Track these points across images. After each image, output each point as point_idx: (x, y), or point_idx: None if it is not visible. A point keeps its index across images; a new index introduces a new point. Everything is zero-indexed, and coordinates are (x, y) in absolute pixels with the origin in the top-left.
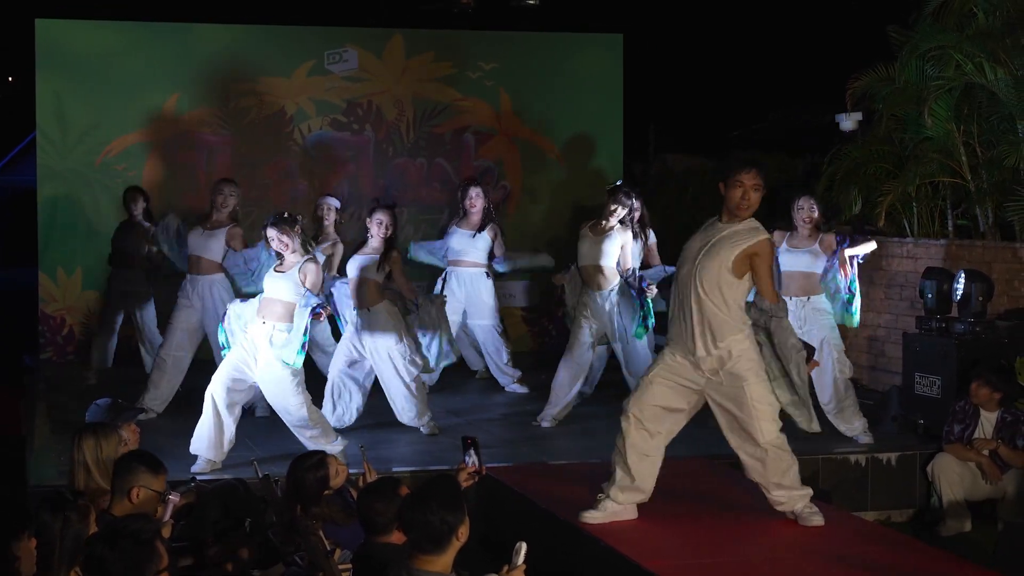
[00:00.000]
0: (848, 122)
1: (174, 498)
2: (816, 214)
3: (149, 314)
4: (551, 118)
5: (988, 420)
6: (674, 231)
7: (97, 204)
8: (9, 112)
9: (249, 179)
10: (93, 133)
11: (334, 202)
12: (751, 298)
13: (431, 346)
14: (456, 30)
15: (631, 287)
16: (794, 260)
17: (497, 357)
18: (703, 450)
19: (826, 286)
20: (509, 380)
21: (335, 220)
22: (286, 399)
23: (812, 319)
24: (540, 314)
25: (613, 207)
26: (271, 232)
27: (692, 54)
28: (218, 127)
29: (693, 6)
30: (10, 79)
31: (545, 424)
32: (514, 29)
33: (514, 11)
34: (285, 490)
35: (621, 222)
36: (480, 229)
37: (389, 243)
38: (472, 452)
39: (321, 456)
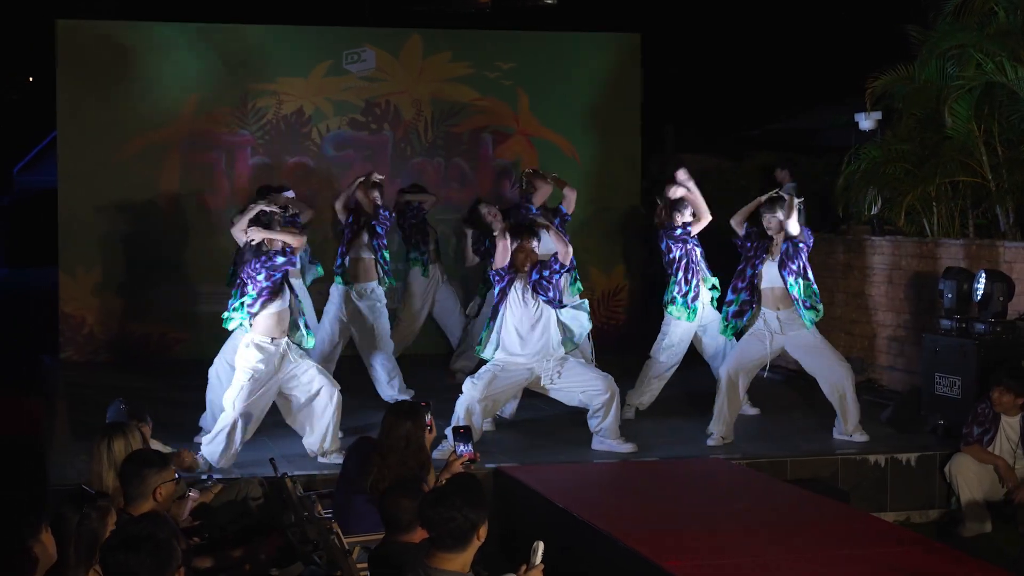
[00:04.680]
0: (867, 121)
1: (193, 495)
2: None
3: None
4: (569, 118)
5: (1010, 425)
6: None
7: (117, 203)
8: (30, 112)
9: (267, 179)
10: (112, 133)
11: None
12: None
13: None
14: (473, 30)
15: None
16: None
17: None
18: (719, 450)
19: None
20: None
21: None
22: None
23: None
24: None
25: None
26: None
27: (710, 54)
28: (236, 127)
29: (711, 7)
30: (31, 79)
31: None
32: (532, 29)
33: (531, 11)
34: (385, 445)
35: None
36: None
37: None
38: (465, 441)
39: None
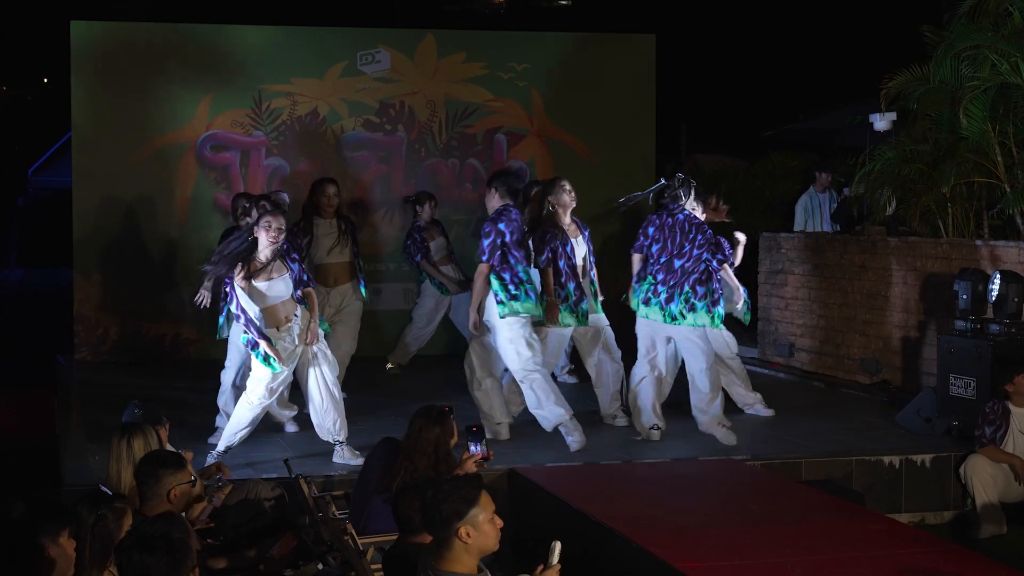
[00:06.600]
0: (882, 122)
1: (215, 502)
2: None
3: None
4: (583, 118)
5: (1019, 417)
6: None
7: (131, 204)
8: (44, 113)
9: (282, 180)
10: (127, 133)
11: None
12: None
13: None
14: (488, 30)
15: None
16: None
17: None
18: (734, 451)
19: None
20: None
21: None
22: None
23: None
24: None
25: None
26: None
27: (724, 55)
28: (251, 128)
29: (725, 7)
30: (45, 80)
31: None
32: (546, 29)
33: (546, 11)
34: (413, 448)
35: None
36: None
37: None
38: (478, 440)
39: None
